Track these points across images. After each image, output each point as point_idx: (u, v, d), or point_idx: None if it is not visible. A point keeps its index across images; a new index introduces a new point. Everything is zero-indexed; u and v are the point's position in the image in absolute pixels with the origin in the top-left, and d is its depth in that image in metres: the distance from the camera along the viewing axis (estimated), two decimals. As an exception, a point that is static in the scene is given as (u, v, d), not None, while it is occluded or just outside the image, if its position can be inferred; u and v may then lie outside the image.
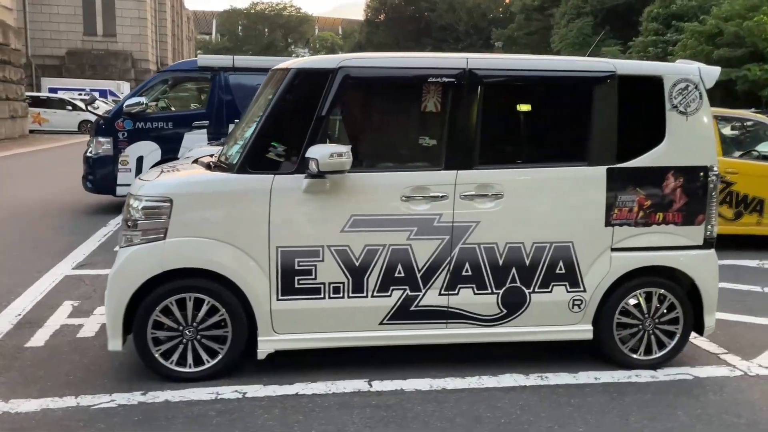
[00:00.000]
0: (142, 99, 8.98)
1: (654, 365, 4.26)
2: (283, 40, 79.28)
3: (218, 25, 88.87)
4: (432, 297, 3.98)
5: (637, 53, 29.99)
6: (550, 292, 4.08)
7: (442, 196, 3.90)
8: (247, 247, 3.79)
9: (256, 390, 3.79)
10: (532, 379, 4.05)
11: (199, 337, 3.86)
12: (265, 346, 3.90)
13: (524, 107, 4.31)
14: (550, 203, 4.04)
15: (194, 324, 3.84)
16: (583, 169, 4.05)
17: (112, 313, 3.77)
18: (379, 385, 3.90)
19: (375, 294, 3.93)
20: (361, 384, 3.90)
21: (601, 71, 4.08)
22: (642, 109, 4.19)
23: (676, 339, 4.27)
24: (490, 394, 3.84)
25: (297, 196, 3.78)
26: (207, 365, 3.88)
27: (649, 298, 4.22)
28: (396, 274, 3.92)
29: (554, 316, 4.12)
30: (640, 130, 4.18)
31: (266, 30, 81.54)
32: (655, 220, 4.13)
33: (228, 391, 3.75)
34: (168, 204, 3.74)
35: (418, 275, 3.94)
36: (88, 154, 9.24)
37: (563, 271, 4.06)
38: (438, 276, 3.96)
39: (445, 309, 4.01)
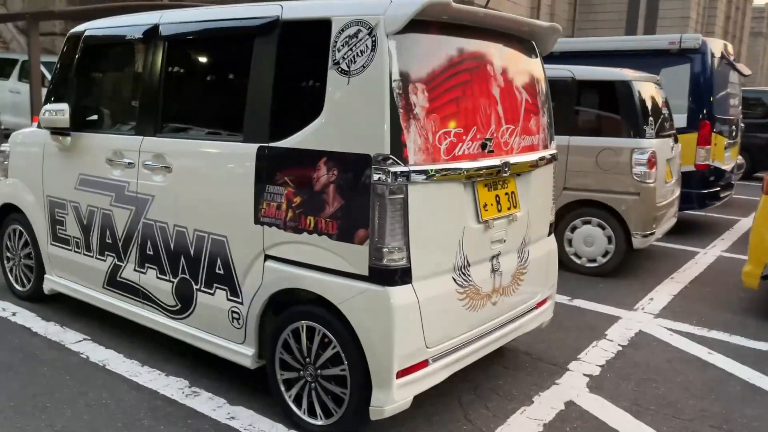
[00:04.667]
0: None
1: (323, 435, 2.99)
2: None
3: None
4: (130, 271, 3.77)
5: None
6: (213, 294, 3.33)
7: (130, 164, 3.64)
8: (35, 193, 4.36)
9: (26, 317, 4.36)
10: (174, 389, 3.40)
11: (21, 263, 4.63)
12: (47, 285, 4.41)
13: (197, 67, 3.45)
14: (208, 185, 3.28)
15: (19, 252, 4.63)
16: (237, 145, 3.13)
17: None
18: (85, 346, 3.95)
19: (97, 256, 3.96)
20: (83, 345, 4.01)
21: (261, 17, 3.05)
22: (306, 68, 2.93)
23: (344, 408, 2.89)
24: (112, 379, 3.46)
25: (55, 151, 4.14)
26: (27, 287, 4.62)
27: (311, 336, 2.98)
28: (106, 240, 3.87)
29: (218, 326, 3.34)
30: (301, 98, 2.94)
31: None
32: (305, 225, 2.89)
33: (8, 311, 4.44)
34: (8, 150, 4.61)
35: (119, 244, 3.79)
36: None
37: (222, 272, 3.26)
38: (132, 249, 3.72)
39: (138, 287, 3.74)
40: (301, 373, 3.03)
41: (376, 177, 2.63)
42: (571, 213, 5.84)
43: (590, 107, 5.93)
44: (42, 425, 3.04)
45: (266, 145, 3.00)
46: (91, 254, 3.99)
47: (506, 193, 3.24)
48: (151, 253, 3.60)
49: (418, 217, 2.72)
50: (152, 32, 3.54)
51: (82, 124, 3.97)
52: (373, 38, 2.65)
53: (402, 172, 2.63)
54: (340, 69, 2.74)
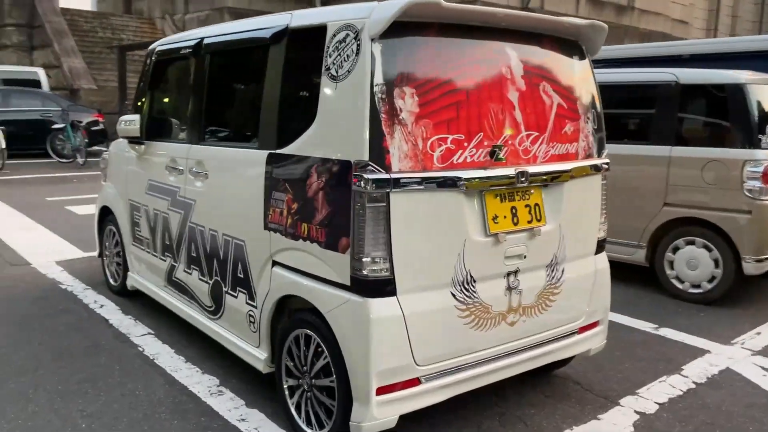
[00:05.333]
0: None
1: (315, 447, 2.95)
2: None
3: None
4: (181, 271, 3.99)
5: None
6: (236, 297, 3.43)
7: (181, 170, 3.86)
8: (121, 196, 4.77)
9: (109, 310, 4.78)
10: (203, 386, 3.53)
11: (114, 260, 5.09)
12: (129, 281, 4.79)
13: (228, 76, 3.51)
14: (233, 191, 3.39)
15: (112, 250, 5.09)
16: (253, 152, 3.19)
17: (95, 229, 5.38)
18: (146, 340, 4.24)
19: (160, 256, 4.24)
20: (144, 339, 4.32)
21: (274, 27, 3.08)
22: (308, 75, 2.89)
23: (332, 421, 2.82)
24: (150, 371, 3.66)
25: (133, 159, 4.50)
26: (117, 283, 5.05)
27: (308, 345, 2.94)
28: (165, 241, 4.13)
29: (240, 328, 3.43)
30: (303, 104, 2.91)
31: None
32: (301, 232, 2.87)
33: (97, 303, 4.89)
34: (107, 157, 5.09)
35: (174, 245, 4.03)
36: None
37: (242, 275, 3.34)
38: (182, 251, 3.94)
39: (187, 287, 3.94)
40: (300, 381, 3.01)
41: (355, 184, 2.55)
42: (672, 232, 5.27)
43: (697, 114, 5.32)
44: (74, 408, 3.29)
45: (274, 151, 3.03)
46: (157, 254, 4.28)
47: (527, 205, 2.99)
48: (195, 255, 3.78)
49: (403, 227, 2.60)
50: (199, 46, 3.74)
51: (151, 133, 4.27)
52: (358, 42, 2.58)
53: (382, 179, 2.52)
54: (330, 74, 2.70)
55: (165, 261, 4.17)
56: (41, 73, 18.05)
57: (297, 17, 3.01)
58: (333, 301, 2.71)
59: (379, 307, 2.58)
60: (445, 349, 2.79)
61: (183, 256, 3.92)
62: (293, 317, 3.03)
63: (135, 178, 4.49)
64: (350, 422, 2.66)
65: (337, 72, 2.66)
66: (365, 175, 2.52)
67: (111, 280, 5.16)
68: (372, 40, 2.54)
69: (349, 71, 2.60)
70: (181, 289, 4.01)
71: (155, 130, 4.27)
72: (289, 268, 2.98)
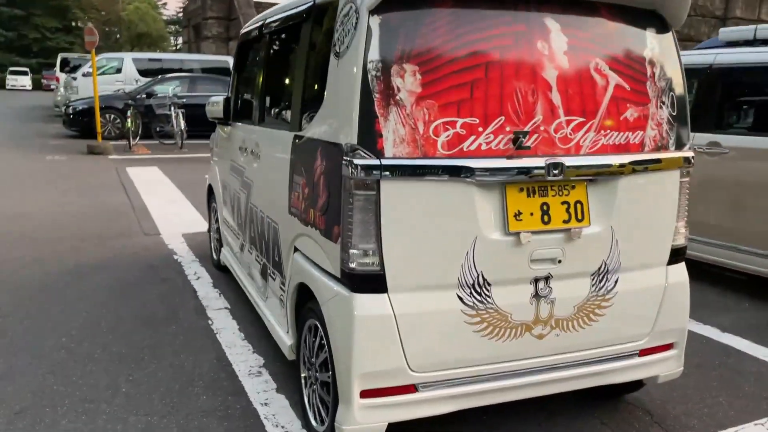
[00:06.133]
0: None
1: (318, 444, 2.83)
2: None
3: None
4: (246, 250, 4.06)
5: None
6: (275, 279, 3.40)
7: (245, 149, 3.90)
8: (218, 175, 4.98)
9: (203, 282, 5.03)
10: (246, 365, 3.55)
11: (214, 236, 5.34)
12: (221, 255, 5.00)
13: (276, 57, 3.38)
14: (273, 174, 3.33)
15: (213, 225, 5.34)
16: (283, 134, 3.10)
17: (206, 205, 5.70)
18: (219, 314, 4.39)
19: (236, 234, 4.36)
20: (218, 312, 4.48)
21: (305, 3, 2.94)
22: (323, 52, 2.68)
23: (329, 418, 2.67)
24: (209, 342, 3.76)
25: (224, 140, 4.66)
26: (217, 256, 5.30)
27: (315, 335, 2.81)
28: (238, 220, 4.23)
29: (276, 312, 3.40)
30: (318, 83, 2.73)
31: None
32: (309, 218, 2.74)
33: (197, 275, 5.17)
34: (213, 139, 5.34)
35: (243, 224, 4.10)
36: None
37: (277, 258, 3.30)
38: (246, 230, 4.00)
39: (248, 265, 4.00)
40: (310, 373, 2.90)
41: (345, 170, 2.36)
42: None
43: None
44: (123, 372, 3.48)
45: (297, 133, 2.93)
46: (234, 232, 4.40)
47: (564, 202, 2.58)
48: (253, 235, 3.82)
49: (396, 218, 2.36)
50: (262, 27, 3.73)
51: (233, 115, 4.38)
52: (357, 15, 2.37)
53: (371, 165, 2.30)
54: (335, 51, 2.52)
55: (238, 239, 4.27)
56: (230, 62, 19.65)
57: (329, -11, 2.86)
58: (327, 292, 2.55)
59: (365, 303, 2.38)
60: (449, 356, 2.51)
61: (247, 235, 3.98)
62: (307, 306, 2.92)
63: (224, 159, 4.64)
64: (334, 423, 2.50)
65: (339, 48, 2.48)
66: (354, 161, 2.32)
67: (214, 254, 5.42)
68: (370, 12, 2.32)
69: (348, 47, 2.41)
70: (246, 267, 4.08)
71: (236, 111, 4.37)
72: (303, 255, 2.87)
